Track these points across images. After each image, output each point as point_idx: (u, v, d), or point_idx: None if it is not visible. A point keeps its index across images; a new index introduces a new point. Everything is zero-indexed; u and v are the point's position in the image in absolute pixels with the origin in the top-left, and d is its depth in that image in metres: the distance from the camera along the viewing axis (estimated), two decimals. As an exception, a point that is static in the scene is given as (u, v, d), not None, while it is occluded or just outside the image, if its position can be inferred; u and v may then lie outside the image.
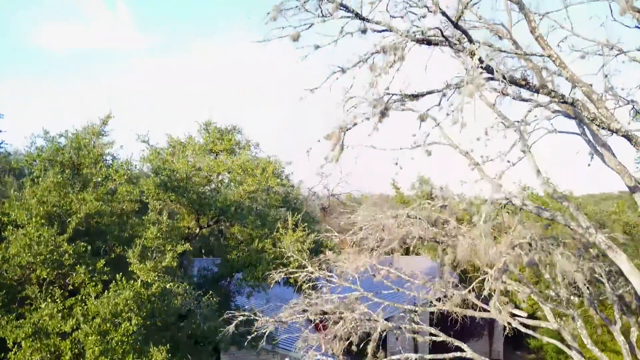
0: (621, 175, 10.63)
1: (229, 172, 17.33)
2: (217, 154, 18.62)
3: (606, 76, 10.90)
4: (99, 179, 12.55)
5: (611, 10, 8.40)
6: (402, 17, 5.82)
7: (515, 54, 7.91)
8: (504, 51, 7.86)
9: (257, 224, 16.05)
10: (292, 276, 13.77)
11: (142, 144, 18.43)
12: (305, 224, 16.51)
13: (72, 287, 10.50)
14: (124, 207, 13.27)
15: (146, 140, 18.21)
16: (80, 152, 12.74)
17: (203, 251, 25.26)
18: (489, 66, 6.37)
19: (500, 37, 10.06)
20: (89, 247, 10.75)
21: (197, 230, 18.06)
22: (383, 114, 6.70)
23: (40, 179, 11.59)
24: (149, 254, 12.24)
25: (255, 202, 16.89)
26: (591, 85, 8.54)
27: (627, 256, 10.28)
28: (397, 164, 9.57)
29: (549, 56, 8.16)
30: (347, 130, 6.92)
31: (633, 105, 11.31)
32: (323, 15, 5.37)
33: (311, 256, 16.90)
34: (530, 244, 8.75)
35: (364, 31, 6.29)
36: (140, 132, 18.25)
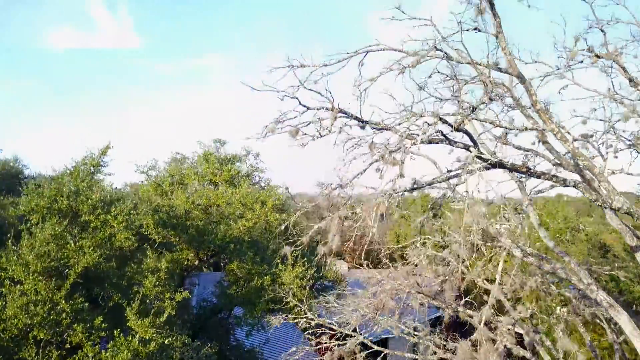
0: (623, 234, 10.56)
1: (228, 204, 17.26)
2: (216, 185, 18.54)
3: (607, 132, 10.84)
4: (98, 225, 12.50)
5: (613, 85, 8.31)
6: (399, 124, 5.74)
7: (517, 129, 7.81)
8: (508, 128, 7.78)
9: (256, 259, 15.99)
10: (292, 319, 13.71)
11: (142, 174, 18.44)
12: (305, 259, 16.45)
13: (69, 346, 10.43)
14: (123, 248, 13.23)
15: (145, 171, 18.17)
16: (79, 197, 12.65)
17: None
18: (490, 160, 6.29)
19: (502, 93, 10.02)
20: (87, 304, 10.68)
21: (197, 263, 18.02)
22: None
23: (38, 229, 11.51)
24: (147, 302, 12.21)
25: (255, 236, 16.81)
26: (593, 158, 8.49)
27: (628, 316, 10.21)
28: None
29: (550, 130, 8.09)
30: (345, 219, 6.87)
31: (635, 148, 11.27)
32: (321, 136, 5.29)
33: (312, 294, 16.87)
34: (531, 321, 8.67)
35: (362, 127, 6.22)
36: (140, 162, 18.23)
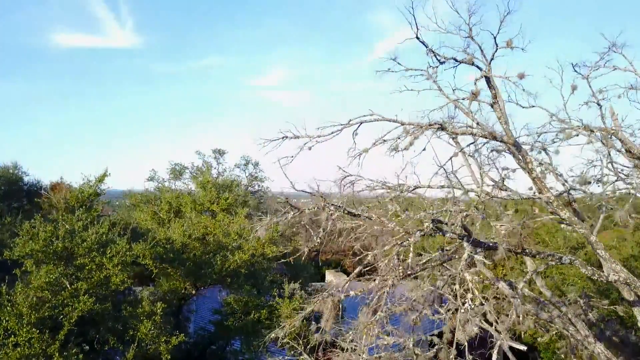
0: (620, 289, 10.49)
1: (225, 235, 17.20)
2: (213, 213, 18.47)
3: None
4: (93, 267, 12.46)
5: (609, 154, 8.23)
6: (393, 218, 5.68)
7: (513, 199, 7.75)
8: (504, 199, 7.71)
9: (252, 292, 15.95)
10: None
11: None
12: (302, 291, 16.43)
13: (64, 399, 10.40)
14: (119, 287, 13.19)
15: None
16: (74, 239, 12.60)
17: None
18: (484, 244, 6.23)
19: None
20: (81, 356, 10.63)
21: (194, 292, 17.98)
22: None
23: (32, 276, 11.48)
24: (143, 345, 12.20)
25: (252, 268, 16.77)
26: (592, 226, 8.42)
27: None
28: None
29: (546, 199, 8.03)
30: (344, 298, 6.82)
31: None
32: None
33: (307, 328, 16.79)
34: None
35: (354, 216, 6.16)
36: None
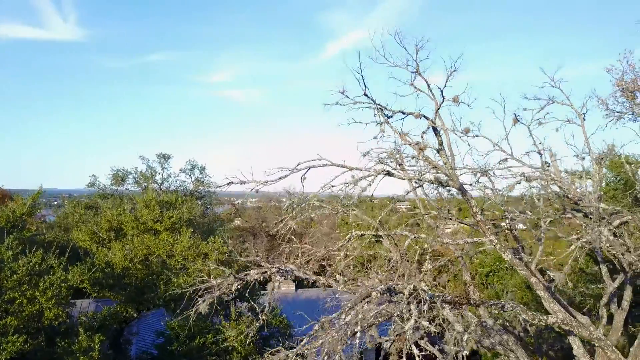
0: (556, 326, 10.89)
1: (169, 256, 16.64)
2: (156, 232, 17.82)
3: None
4: (24, 302, 11.68)
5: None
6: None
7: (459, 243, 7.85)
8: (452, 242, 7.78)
9: (198, 317, 15.49)
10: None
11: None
12: (249, 313, 16.14)
13: None
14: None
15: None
16: (3, 271, 11.77)
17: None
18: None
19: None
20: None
21: (136, 315, 17.29)
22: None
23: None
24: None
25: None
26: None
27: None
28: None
29: (489, 242, 8.19)
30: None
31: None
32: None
33: (255, 349, 16.51)
34: None
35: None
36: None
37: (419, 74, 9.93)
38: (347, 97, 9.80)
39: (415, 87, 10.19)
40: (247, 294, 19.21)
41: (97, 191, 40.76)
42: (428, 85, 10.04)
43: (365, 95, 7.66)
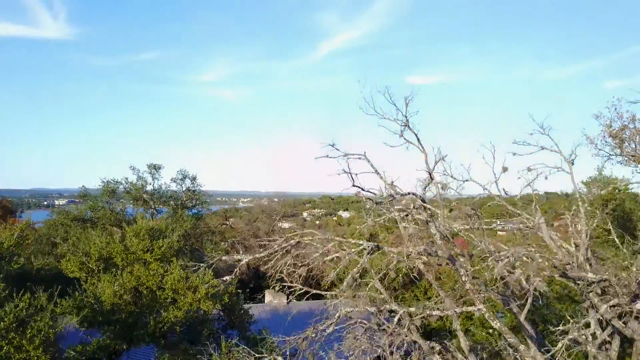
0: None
1: (159, 288, 16.54)
2: (146, 263, 17.68)
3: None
4: (11, 350, 11.56)
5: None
6: None
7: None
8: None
9: (189, 352, 15.45)
10: None
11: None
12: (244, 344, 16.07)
13: None
14: None
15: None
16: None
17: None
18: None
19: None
20: None
21: (126, 347, 17.18)
22: None
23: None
24: None
25: (188, 323, 16.25)
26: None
27: None
28: None
29: (478, 310, 8.20)
30: None
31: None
32: None
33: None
34: None
35: None
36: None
37: (409, 127, 9.94)
38: (337, 149, 9.81)
39: (405, 139, 10.21)
40: (237, 322, 19.23)
41: (87, 202, 40.56)
42: (418, 139, 10.06)
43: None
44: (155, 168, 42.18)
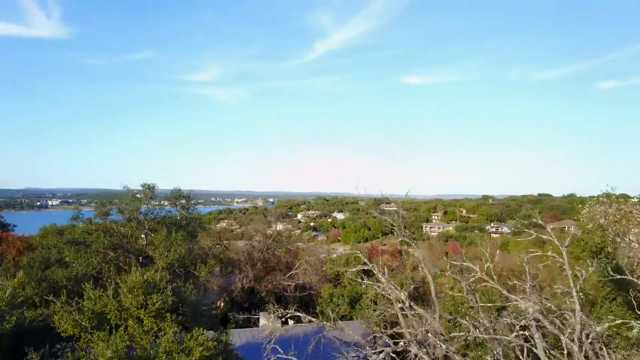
0: None
1: (152, 347, 16.45)
2: (140, 320, 17.55)
3: None
4: None
5: None
6: None
7: None
8: None
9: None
10: None
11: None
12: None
13: None
14: None
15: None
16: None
17: None
18: None
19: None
20: None
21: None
22: None
23: None
24: None
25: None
26: None
27: None
28: None
29: None
30: None
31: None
32: None
33: None
34: None
35: None
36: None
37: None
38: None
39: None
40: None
41: (80, 224, 40.36)
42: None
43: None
44: (149, 188, 41.97)
